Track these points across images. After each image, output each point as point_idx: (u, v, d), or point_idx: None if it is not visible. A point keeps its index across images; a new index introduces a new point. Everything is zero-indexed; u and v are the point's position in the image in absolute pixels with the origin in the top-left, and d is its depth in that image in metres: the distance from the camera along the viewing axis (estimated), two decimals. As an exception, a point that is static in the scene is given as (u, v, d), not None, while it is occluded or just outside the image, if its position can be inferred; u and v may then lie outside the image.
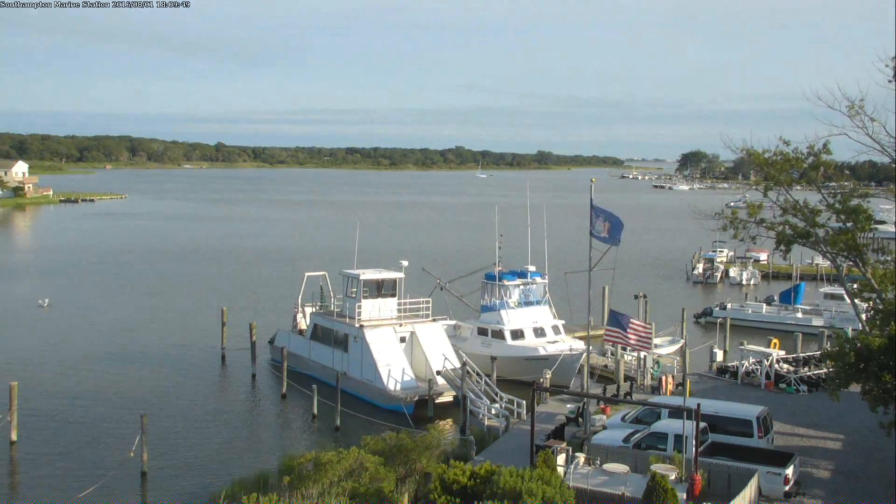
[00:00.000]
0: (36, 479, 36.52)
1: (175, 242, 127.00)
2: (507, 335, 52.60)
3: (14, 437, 40.33)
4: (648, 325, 43.49)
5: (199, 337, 63.76)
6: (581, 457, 29.03)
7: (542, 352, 50.92)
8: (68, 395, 48.80)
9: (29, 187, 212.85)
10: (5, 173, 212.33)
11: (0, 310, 73.40)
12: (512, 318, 53.44)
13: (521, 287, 55.73)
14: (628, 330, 43.29)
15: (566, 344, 51.40)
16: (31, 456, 38.94)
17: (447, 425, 43.42)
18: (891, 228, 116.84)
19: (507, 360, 50.04)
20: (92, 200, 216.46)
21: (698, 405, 28.88)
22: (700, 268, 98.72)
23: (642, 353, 47.63)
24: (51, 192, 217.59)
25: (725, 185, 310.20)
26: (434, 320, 52.05)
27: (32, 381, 50.11)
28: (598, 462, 28.94)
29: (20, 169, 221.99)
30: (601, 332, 53.65)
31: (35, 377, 51.57)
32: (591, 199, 44.75)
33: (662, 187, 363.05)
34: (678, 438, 30.10)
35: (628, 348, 46.75)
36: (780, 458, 29.84)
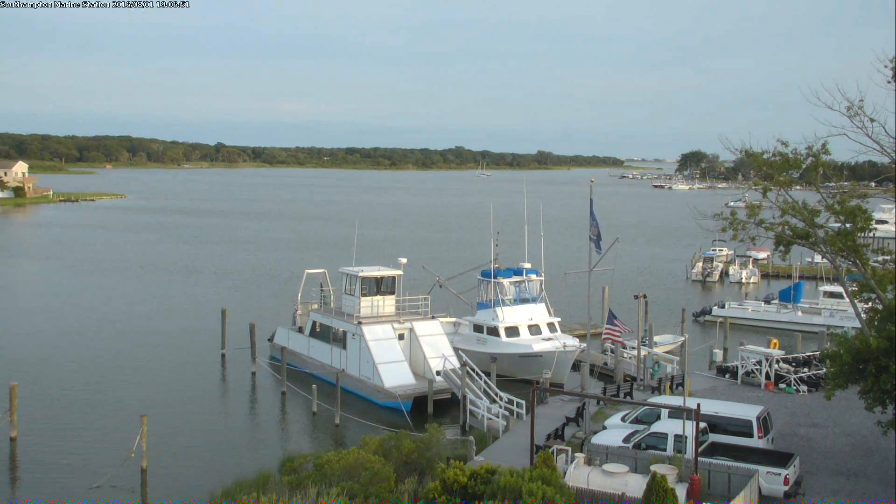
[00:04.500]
0: (36, 478, 36.52)
1: (174, 242, 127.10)
2: (502, 332, 52.53)
3: (14, 436, 40.37)
4: (626, 328, 45.79)
5: (199, 337, 63.78)
6: (581, 457, 29.04)
7: (536, 349, 50.86)
8: (68, 394, 48.82)
9: (29, 187, 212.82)
10: (5, 173, 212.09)
11: (0, 310, 73.40)
12: (507, 316, 53.36)
13: (517, 284, 55.70)
14: (615, 323, 44.55)
15: (561, 341, 51.33)
16: (31, 456, 38.95)
17: (447, 424, 43.41)
18: (891, 228, 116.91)
19: (502, 357, 50.04)
20: (92, 200, 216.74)
21: (698, 405, 28.91)
22: (699, 267, 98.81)
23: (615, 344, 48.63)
24: (51, 193, 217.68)
25: (724, 185, 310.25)
26: (433, 317, 52.09)
27: (32, 381, 50.15)
28: (598, 462, 28.95)
29: (20, 169, 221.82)
30: (600, 330, 53.78)
31: (35, 377, 51.58)
32: (591, 201, 44.88)
33: (662, 187, 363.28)
34: (678, 438, 30.15)
35: (617, 344, 47.40)
36: (780, 458, 29.86)
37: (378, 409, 46.46)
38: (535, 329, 53.37)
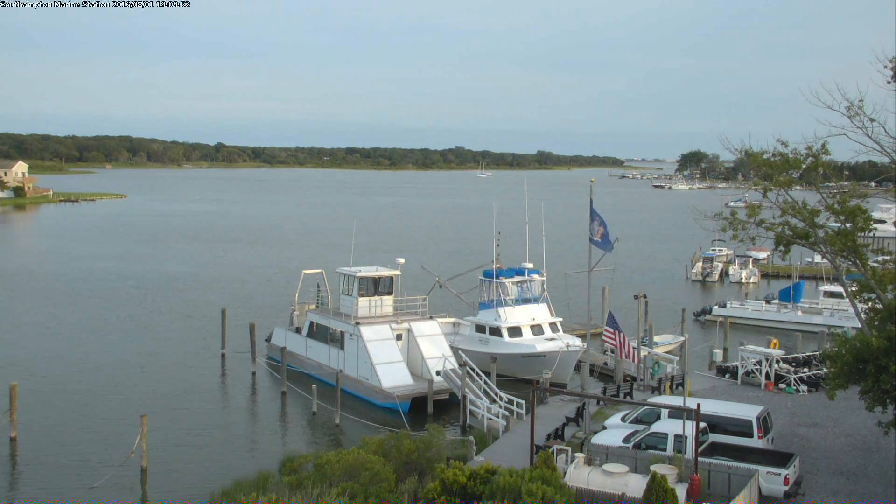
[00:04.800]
0: (36, 478, 36.53)
1: (174, 242, 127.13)
2: (505, 332, 52.49)
3: (14, 436, 40.36)
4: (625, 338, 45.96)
5: (199, 337, 63.77)
6: (581, 457, 29.03)
7: (539, 349, 50.83)
8: (68, 394, 48.81)
9: (29, 187, 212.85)
10: (5, 173, 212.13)
11: (0, 310, 73.40)
12: (509, 316, 53.33)
13: (519, 284, 55.67)
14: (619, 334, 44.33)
15: (564, 341, 51.33)
16: (31, 456, 38.93)
17: (446, 424, 43.42)
18: (891, 228, 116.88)
19: (505, 357, 50.02)
20: (92, 200, 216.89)
21: (698, 405, 28.90)
22: (699, 267, 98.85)
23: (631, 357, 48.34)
24: (51, 193, 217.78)
25: (724, 185, 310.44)
26: (431, 318, 52.09)
27: (32, 381, 50.14)
28: (598, 462, 28.94)
29: (20, 169, 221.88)
30: (601, 330, 53.77)
31: (35, 377, 51.59)
32: (591, 201, 44.87)
33: (662, 187, 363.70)
34: (678, 438, 30.14)
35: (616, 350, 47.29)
36: (780, 458, 29.85)
37: (376, 409, 46.45)
38: (537, 329, 53.35)
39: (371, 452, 30.46)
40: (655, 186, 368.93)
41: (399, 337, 50.03)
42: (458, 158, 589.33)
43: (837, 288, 67.71)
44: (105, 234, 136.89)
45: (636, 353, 46.51)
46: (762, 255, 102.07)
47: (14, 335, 63.68)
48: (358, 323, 49.64)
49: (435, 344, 49.81)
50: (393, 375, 47.44)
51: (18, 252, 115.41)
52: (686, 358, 49.44)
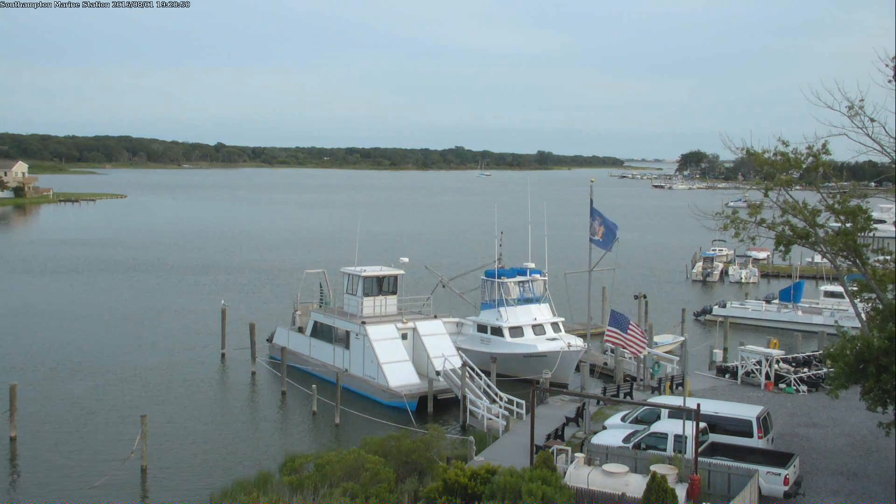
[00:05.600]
0: (36, 478, 36.52)
1: (174, 242, 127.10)
2: (506, 332, 52.50)
3: (14, 436, 40.37)
4: (643, 332, 44.72)
5: (199, 337, 63.77)
6: (581, 457, 29.03)
7: (540, 349, 50.83)
8: (68, 395, 48.81)
9: (29, 187, 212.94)
10: (5, 173, 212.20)
11: (1, 310, 73.39)
12: (511, 316, 53.34)
13: (521, 284, 55.67)
14: (627, 332, 43.78)
15: (565, 341, 51.32)
16: (31, 456, 38.94)
17: (447, 424, 43.42)
18: (891, 228, 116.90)
19: (506, 357, 50.03)
20: (93, 200, 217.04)
21: (698, 405, 28.92)
22: (699, 267, 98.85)
23: (641, 354, 47.88)
24: (51, 193, 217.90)
25: (725, 185, 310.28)
26: (435, 317, 52.13)
27: (32, 381, 50.15)
28: (598, 462, 28.94)
29: (20, 169, 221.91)
30: (601, 330, 53.75)
31: (35, 377, 51.61)
32: (591, 201, 44.90)
33: (662, 187, 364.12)
34: (678, 438, 30.15)
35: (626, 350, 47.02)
36: (780, 458, 29.86)
37: (382, 408, 46.48)
38: (539, 329, 53.33)
39: (371, 452, 30.48)
40: (655, 186, 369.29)
41: (404, 336, 50.07)
42: (458, 158, 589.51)
43: (837, 288, 67.75)
44: (106, 234, 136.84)
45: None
46: (762, 254, 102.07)
47: (14, 335, 63.66)
48: (364, 322, 49.69)
49: (440, 344, 49.84)
50: (400, 374, 47.54)
51: (19, 252, 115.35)
52: (686, 358, 49.44)
